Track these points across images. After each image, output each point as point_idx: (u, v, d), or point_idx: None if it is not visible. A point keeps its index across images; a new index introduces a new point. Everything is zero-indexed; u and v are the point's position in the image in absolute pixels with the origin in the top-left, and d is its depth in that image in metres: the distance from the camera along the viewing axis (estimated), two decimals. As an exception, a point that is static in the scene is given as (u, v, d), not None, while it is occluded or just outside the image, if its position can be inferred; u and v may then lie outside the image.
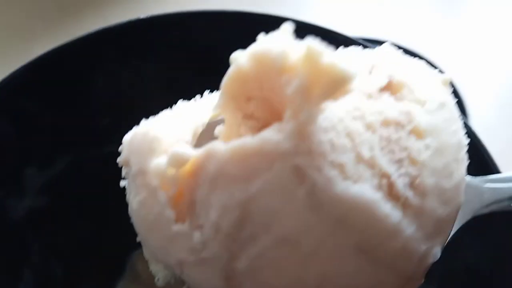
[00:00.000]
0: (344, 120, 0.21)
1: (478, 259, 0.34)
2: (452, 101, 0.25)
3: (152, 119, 0.25)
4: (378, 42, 0.71)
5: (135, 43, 0.39)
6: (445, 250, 0.34)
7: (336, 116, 0.21)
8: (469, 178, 0.27)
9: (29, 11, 0.72)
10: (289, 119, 0.20)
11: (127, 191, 0.25)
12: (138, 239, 0.25)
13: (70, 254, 0.45)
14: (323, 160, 0.20)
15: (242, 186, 0.21)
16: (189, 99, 0.28)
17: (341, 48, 0.25)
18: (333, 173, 0.21)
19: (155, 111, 0.26)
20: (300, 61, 0.20)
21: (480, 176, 0.27)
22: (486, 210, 0.27)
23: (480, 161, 0.31)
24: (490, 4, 0.79)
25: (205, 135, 0.26)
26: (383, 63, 0.24)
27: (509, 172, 0.27)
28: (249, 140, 0.21)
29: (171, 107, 0.27)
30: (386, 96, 0.23)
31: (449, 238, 0.27)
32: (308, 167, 0.20)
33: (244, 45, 0.22)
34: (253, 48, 0.21)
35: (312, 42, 0.19)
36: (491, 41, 0.74)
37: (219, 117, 0.26)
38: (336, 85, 0.19)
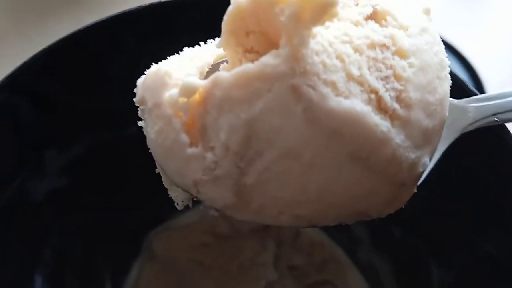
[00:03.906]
0: (334, 44, 0.24)
1: (501, 249, 0.35)
2: (434, 27, 0.27)
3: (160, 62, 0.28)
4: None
5: (154, 26, 0.40)
6: (465, 238, 0.36)
7: (327, 40, 0.24)
8: (454, 100, 0.30)
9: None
10: (285, 45, 0.23)
11: (144, 127, 0.27)
12: (156, 170, 0.28)
13: (89, 235, 0.47)
14: (317, 79, 0.23)
15: (246, 107, 0.23)
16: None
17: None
18: (326, 90, 0.23)
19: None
20: (290, -8, 0.22)
21: (465, 98, 0.30)
22: (471, 128, 0.29)
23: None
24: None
25: (211, 75, 0.29)
26: (368, -6, 0.26)
27: (490, 93, 0.29)
28: (250, 66, 0.23)
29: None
30: (371, 23, 0.26)
31: (440, 155, 0.29)
32: (303, 86, 0.23)
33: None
34: (248, -16, 0.24)
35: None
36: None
37: (223, 59, 0.29)
38: (323, 9, 0.22)
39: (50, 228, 0.43)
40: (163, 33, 0.41)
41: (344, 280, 0.53)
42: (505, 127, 0.31)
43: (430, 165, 0.29)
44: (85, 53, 0.39)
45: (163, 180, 0.29)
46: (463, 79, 0.32)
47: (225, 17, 0.25)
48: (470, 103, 0.29)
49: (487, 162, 0.33)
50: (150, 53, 0.36)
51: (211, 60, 0.29)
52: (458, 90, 0.31)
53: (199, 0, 0.40)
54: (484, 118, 0.29)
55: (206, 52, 0.29)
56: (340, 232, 0.53)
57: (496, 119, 0.29)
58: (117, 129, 0.44)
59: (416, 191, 0.27)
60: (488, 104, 0.29)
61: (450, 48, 0.69)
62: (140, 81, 0.28)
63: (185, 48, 0.30)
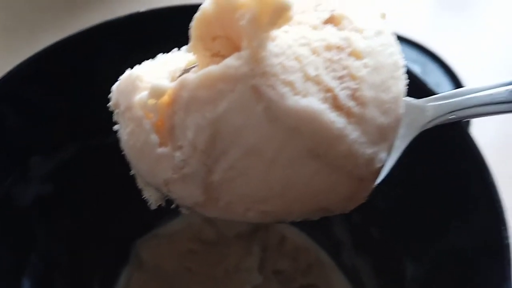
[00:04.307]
0: (292, 46, 0.25)
1: (463, 240, 0.36)
2: (389, 30, 0.29)
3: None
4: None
5: (136, 36, 0.41)
6: (433, 233, 0.38)
7: (286, 43, 0.25)
8: (414, 100, 0.31)
9: (36, 3, 0.76)
10: (246, 47, 0.24)
11: (119, 130, 0.29)
12: (131, 172, 0.30)
13: (75, 242, 0.48)
14: (276, 80, 0.25)
15: (211, 107, 0.25)
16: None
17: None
18: (285, 89, 0.25)
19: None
20: (249, -1, 0.24)
21: (423, 98, 0.31)
22: (430, 125, 0.31)
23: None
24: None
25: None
26: (327, 0, 0.28)
27: (448, 92, 0.31)
28: (214, 68, 0.25)
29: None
30: (329, 27, 0.27)
31: (400, 152, 0.31)
32: (263, 86, 0.24)
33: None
34: (213, -8, 0.26)
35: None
36: (498, 36, 0.76)
37: (196, 65, 0.31)
38: (278, 13, 0.24)
39: (36, 233, 0.44)
40: (147, 42, 0.42)
41: (328, 283, 0.55)
42: (461, 124, 0.32)
43: (390, 162, 0.30)
44: (71, 61, 0.40)
45: (137, 180, 0.30)
46: (423, 80, 0.33)
47: (192, 23, 0.27)
48: (429, 102, 0.31)
49: (447, 158, 0.35)
50: (134, 61, 0.37)
51: (183, 65, 0.30)
52: (418, 90, 0.32)
53: (183, 9, 0.41)
54: (442, 115, 0.30)
55: (179, 57, 0.31)
56: (323, 236, 0.54)
57: (453, 116, 0.30)
58: (102, 136, 0.44)
59: (376, 186, 0.29)
60: (445, 103, 0.30)
61: (434, 57, 0.70)
62: (115, 86, 0.29)
63: (159, 55, 0.31)
